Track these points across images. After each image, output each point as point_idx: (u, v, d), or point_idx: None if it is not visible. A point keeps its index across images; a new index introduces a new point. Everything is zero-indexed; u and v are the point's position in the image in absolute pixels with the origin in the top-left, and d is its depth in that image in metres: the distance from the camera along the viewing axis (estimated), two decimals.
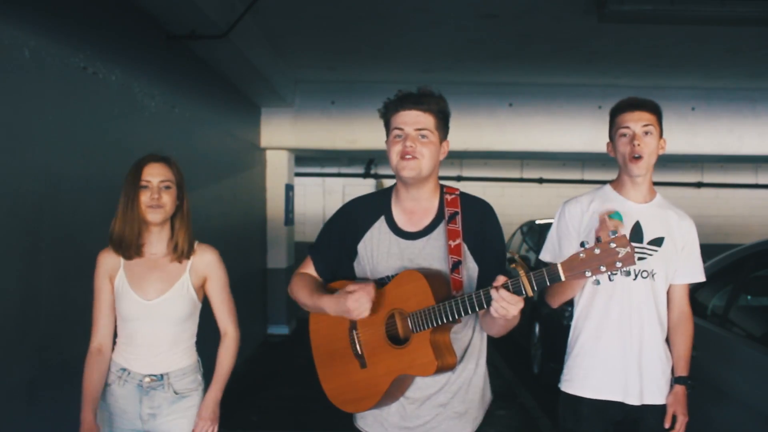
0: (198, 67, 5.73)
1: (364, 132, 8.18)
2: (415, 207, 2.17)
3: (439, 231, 2.13)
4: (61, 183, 3.40)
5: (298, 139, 8.41)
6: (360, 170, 13.13)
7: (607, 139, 2.63)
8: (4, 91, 2.96)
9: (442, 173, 2.23)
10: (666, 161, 10.64)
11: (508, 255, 2.12)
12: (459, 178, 12.86)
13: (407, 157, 2.06)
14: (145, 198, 2.41)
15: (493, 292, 1.87)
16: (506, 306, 1.85)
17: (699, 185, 13.11)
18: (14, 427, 3.01)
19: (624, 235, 1.80)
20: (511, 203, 12.81)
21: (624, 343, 2.50)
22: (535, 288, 1.85)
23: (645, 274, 2.50)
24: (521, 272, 1.85)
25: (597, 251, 1.80)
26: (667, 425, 2.52)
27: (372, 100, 8.39)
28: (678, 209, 2.62)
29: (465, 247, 2.10)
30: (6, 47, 2.96)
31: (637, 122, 2.49)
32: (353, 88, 8.20)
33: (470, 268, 2.11)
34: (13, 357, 3.02)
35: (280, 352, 8.00)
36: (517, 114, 8.32)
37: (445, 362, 2.02)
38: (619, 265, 1.78)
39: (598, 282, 1.83)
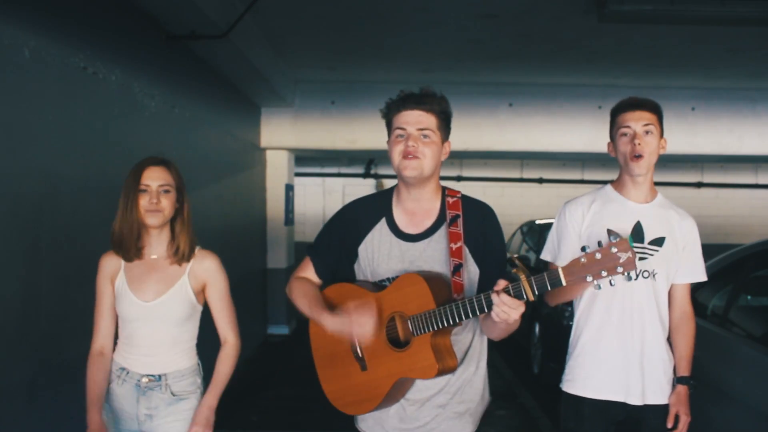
0: (198, 67, 5.73)
1: (364, 132, 8.18)
2: (417, 208, 2.16)
3: (441, 233, 2.12)
4: (61, 183, 3.39)
5: (298, 139, 8.41)
6: (360, 170, 13.12)
7: (608, 139, 2.63)
8: (4, 91, 2.96)
9: (441, 173, 2.23)
10: (666, 161, 10.64)
11: (508, 257, 2.13)
12: (459, 178, 12.85)
13: (409, 156, 2.05)
14: (144, 202, 2.41)
15: (494, 296, 1.87)
16: (507, 310, 1.85)
17: (699, 185, 13.10)
18: (14, 427, 3.01)
19: (625, 240, 1.81)
20: (511, 203, 12.80)
21: (625, 343, 2.50)
22: (536, 292, 1.86)
23: (646, 274, 2.50)
24: (522, 276, 1.85)
25: (598, 256, 1.80)
26: (669, 425, 2.52)
27: (372, 100, 8.40)
28: (679, 209, 2.62)
29: (466, 250, 2.10)
30: (6, 47, 2.96)
31: (637, 122, 2.49)
32: (353, 88, 8.20)
33: (471, 272, 2.11)
34: (13, 357, 3.02)
35: (280, 352, 8.00)
36: (517, 114, 8.32)
37: (446, 365, 2.02)
38: (620, 270, 1.78)
39: (599, 287, 1.83)
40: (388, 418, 2.17)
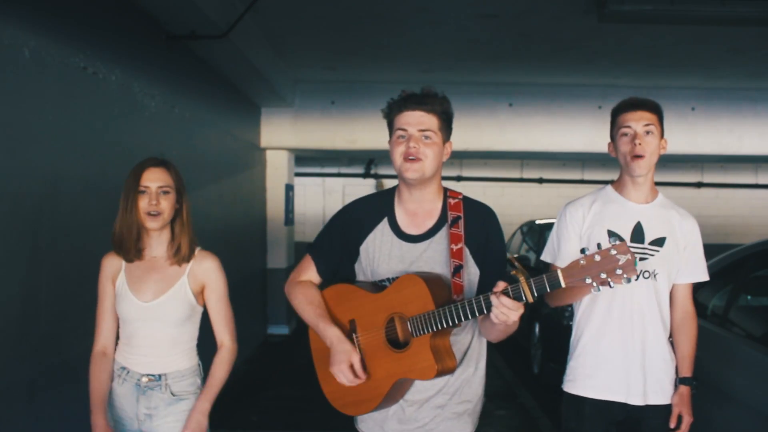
0: (198, 67, 5.73)
1: (364, 132, 8.18)
2: (418, 209, 2.16)
3: (442, 234, 2.12)
4: (61, 183, 3.39)
5: (298, 139, 8.41)
6: (360, 170, 13.12)
7: (608, 139, 2.63)
8: (4, 91, 2.96)
9: (441, 173, 2.23)
10: (666, 161, 10.64)
11: (507, 258, 2.13)
12: (459, 178, 12.85)
13: (411, 158, 2.05)
14: (143, 204, 2.41)
15: (493, 298, 1.87)
16: (506, 312, 1.85)
17: (699, 185, 13.11)
18: (14, 427, 3.01)
19: (624, 242, 1.81)
20: (511, 203, 12.81)
21: (626, 344, 2.50)
22: (535, 294, 1.86)
23: (647, 275, 2.50)
24: (521, 278, 1.85)
25: (597, 258, 1.80)
26: (672, 425, 2.52)
27: (372, 100, 8.41)
28: (681, 209, 2.62)
29: (467, 252, 2.10)
30: (6, 47, 2.96)
31: (638, 122, 2.49)
32: (353, 88, 8.20)
33: (471, 273, 2.11)
34: (13, 357, 3.02)
35: (280, 352, 8.00)
36: (517, 114, 8.33)
37: (445, 366, 2.02)
38: (619, 272, 1.78)
39: (598, 289, 1.83)
40: (387, 419, 2.17)
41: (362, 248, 2.19)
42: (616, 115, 2.58)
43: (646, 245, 2.52)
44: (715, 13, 4.80)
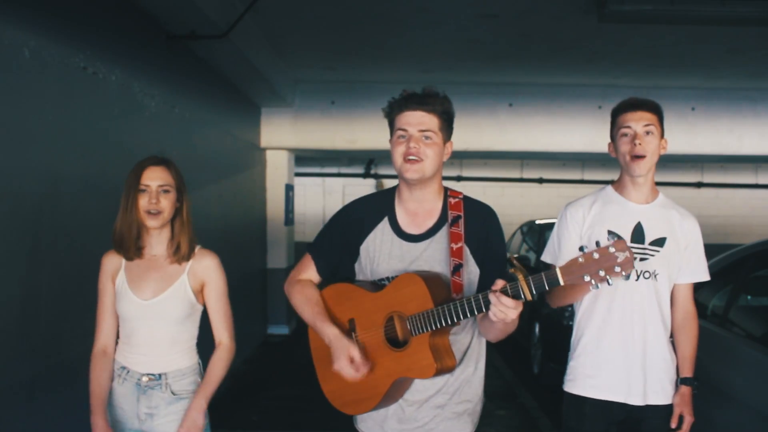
0: (198, 67, 5.73)
1: (364, 132, 8.18)
2: (419, 208, 2.17)
3: (442, 234, 2.12)
4: (61, 183, 3.39)
5: (298, 139, 8.41)
6: (360, 170, 13.12)
7: (607, 139, 2.63)
8: (4, 91, 2.96)
9: (442, 173, 2.23)
10: (666, 161, 10.64)
11: (507, 257, 2.13)
12: (459, 178, 12.85)
13: (411, 159, 2.05)
14: (143, 202, 2.42)
15: (491, 296, 1.87)
16: (505, 310, 1.85)
17: (699, 185, 13.11)
18: (14, 427, 3.01)
19: (623, 240, 1.80)
20: (511, 203, 12.81)
21: (627, 344, 2.50)
22: (534, 292, 1.85)
23: (647, 275, 2.50)
24: (520, 276, 1.84)
25: (596, 256, 1.79)
26: (673, 425, 2.53)
27: (372, 100, 8.41)
28: (681, 208, 2.62)
29: (467, 251, 2.10)
30: (6, 47, 2.96)
31: (638, 122, 2.49)
32: (353, 88, 8.20)
33: (471, 272, 2.11)
34: (13, 357, 3.02)
35: (280, 352, 8.00)
36: (517, 114, 8.33)
37: (444, 365, 2.01)
38: (618, 269, 1.78)
39: (597, 287, 1.82)
40: (387, 418, 2.18)
41: (362, 248, 2.19)
42: (616, 115, 2.58)
43: (646, 245, 2.52)
44: (715, 13, 4.80)
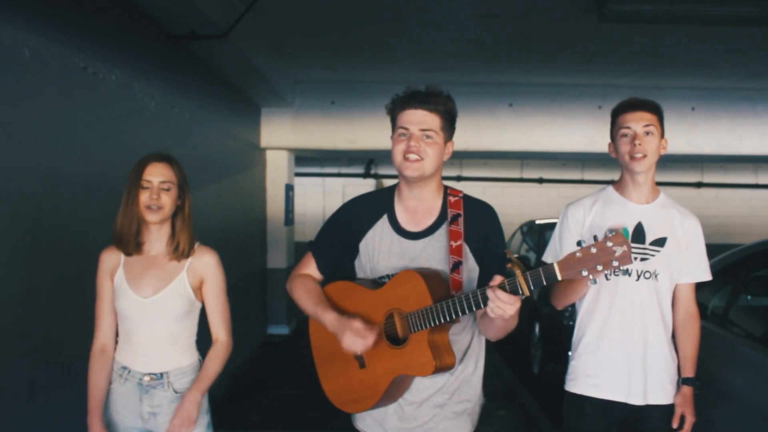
0: (198, 67, 5.73)
1: (364, 132, 8.18)
2: (418, 206, 2.17)
3: (442, 231, 2.13)
4: (61, 183, 3.40)
5: (298, 139, 8.41)
6: (360, 170, 13.12)
7: (608, 139, 2.63)
8: (4, 91, 2.96)
9: (442, 173, 2.23)
10: (666, 161, 10.64)
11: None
12: (459, 178, 12.85)
13: (411, 156, 2.05)
14: (144, 198, 2.42)
15: (489, 292, 1.87)
16: (502, 306, 1.84)
17: (699, 185, 13.10)
18: (14, 427, 3.01)
19: (620, 233, 1.79)
20: (511, 203, 12.80)
21: (627, 344, 2.50)
22: (532, 287, 1.84)
23: (648, 275, 2.50)
24: (518, 272, 1.84)
25: (593, 250, 1.79)
26: (675, 425, 2.53)
27: (372, 100, 8.41)
28: (683, 208, 2.62)
29: (466, 248, 2.10)
30: (6, 47, 2.96)
31: (638, 122, 2.49)
32: (353, 88, 8.20)
33: (471, 269, 2.11)
34: (13, 357, 3.02)
35: (280, 352, 8.00)
36: (517, 114, 8.33)
37: (444, 362, 2.01)
38: (615, 264, 1.77)
39: (594, 281, 1.82)
40: (386, 416, 2.18)
41: (362, 245, 2.19)
42: (616, 115, 2.58)
43: (647, 245, 2.52)
44: (715, 13, 4.81)
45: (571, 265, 1.81)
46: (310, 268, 2.29)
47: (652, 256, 2.51)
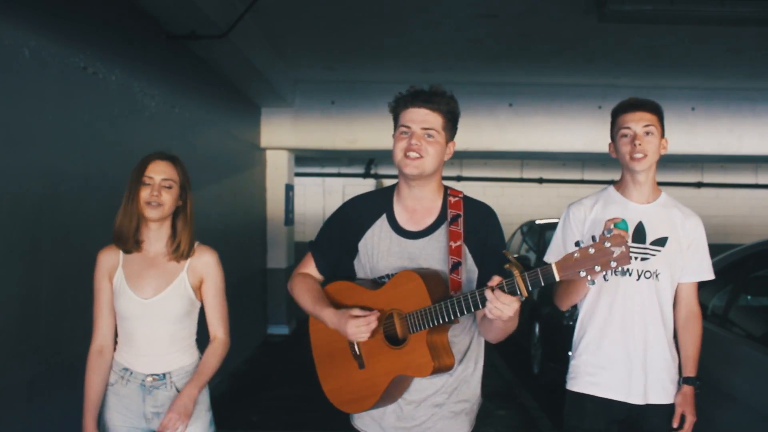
0: (198, 67, 5.73)
1: (364, 132, 8.18)
2: (417, 206, 2.17)
3: (441, 232, 2.12)
4: (61, 183, 3.40)
5: (298, 139, 8.41)
6: (360, 170, 13.12)
7: (607, 139, 2.64)
8: (4, 91, 2.96)
9: (442, 173, 2.23)
10: (666, 161, 10.64)
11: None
12: (459, 178, 12.85)
13: (411, 155, 2.05)
14: (145, 194, 2.42)
15: (487, 293, 1.86)
16: (501, 306, 1.84)
17: (699, 185, 13.10)
18: (14, 427, 3.01)
19: (619, 234, 1.79)
20: (511, 203, 12.80)
21: (628, 343, 2.50)
22: (530, 288, 1.84)
23: (648, 275, 2.50)
24: (516, 272, 1.83)
25: (592, 251, 1.79)
26: (675, 425, 2.52)
27: (372, 100, 8.41)
28: (684, 207, 2.62)
29: (466, 249, 2.10)
30: (6, 47, 2.96)
31: (638, 122, 2.49)
32: (353, 88, 8.20)
33: (470, 270, 2.11)
34: (13, 357, 3.02)
35: (279, 352, 8.00)
36: (517, 114, 8.33)
37: (443, 363, 2.01)
38: (614, 264, 1.76)
39: (593, 282, 1.82)
40: (385, 415, 2.18)
41: (361, 244, 2.19)
42: (616, 115, 2.58)
43: (647, 245, 2.52)
44: (715, 13, 4.81)
45: (569, 265, 1.81)
46: (311, 268, 2.30)
47: (653, 255, 2.51)
